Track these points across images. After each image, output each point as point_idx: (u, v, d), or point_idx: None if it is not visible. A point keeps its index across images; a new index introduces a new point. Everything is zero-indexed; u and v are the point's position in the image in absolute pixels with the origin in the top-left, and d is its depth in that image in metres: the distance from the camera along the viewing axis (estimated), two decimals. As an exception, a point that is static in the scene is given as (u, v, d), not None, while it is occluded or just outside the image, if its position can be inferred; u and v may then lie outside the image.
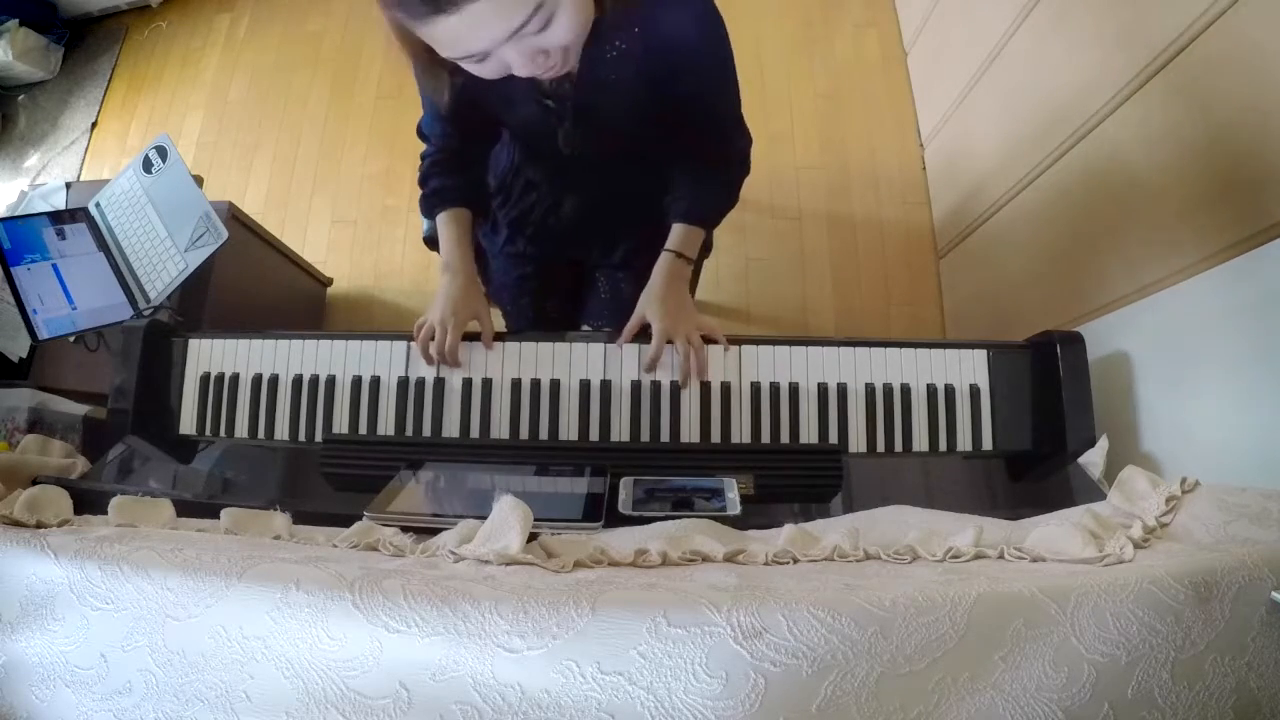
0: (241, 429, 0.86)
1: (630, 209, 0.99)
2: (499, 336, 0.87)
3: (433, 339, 0.84)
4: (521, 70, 0.63)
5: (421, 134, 0.92)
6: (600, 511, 0.62)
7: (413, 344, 0.86)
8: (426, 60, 0.67)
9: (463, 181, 0.92)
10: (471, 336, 0.86)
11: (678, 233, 0.89)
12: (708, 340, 0.84)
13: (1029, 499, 0.82)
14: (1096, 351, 0.84)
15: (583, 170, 0.91)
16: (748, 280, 1.70)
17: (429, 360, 0.85)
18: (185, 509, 0.59)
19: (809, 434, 0.83)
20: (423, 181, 0.91)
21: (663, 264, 0.88)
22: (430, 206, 0.92)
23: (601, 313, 1.06)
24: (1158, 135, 0.94)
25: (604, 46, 0.73)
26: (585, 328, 1.06)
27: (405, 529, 0.58)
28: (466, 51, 0.61)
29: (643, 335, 0.86)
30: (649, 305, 0.85)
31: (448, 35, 0.59)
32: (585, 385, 0.84)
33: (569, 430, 0.83)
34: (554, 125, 0.83)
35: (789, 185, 1.77)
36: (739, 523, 0.61)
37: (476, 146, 0.93)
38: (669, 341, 0.83)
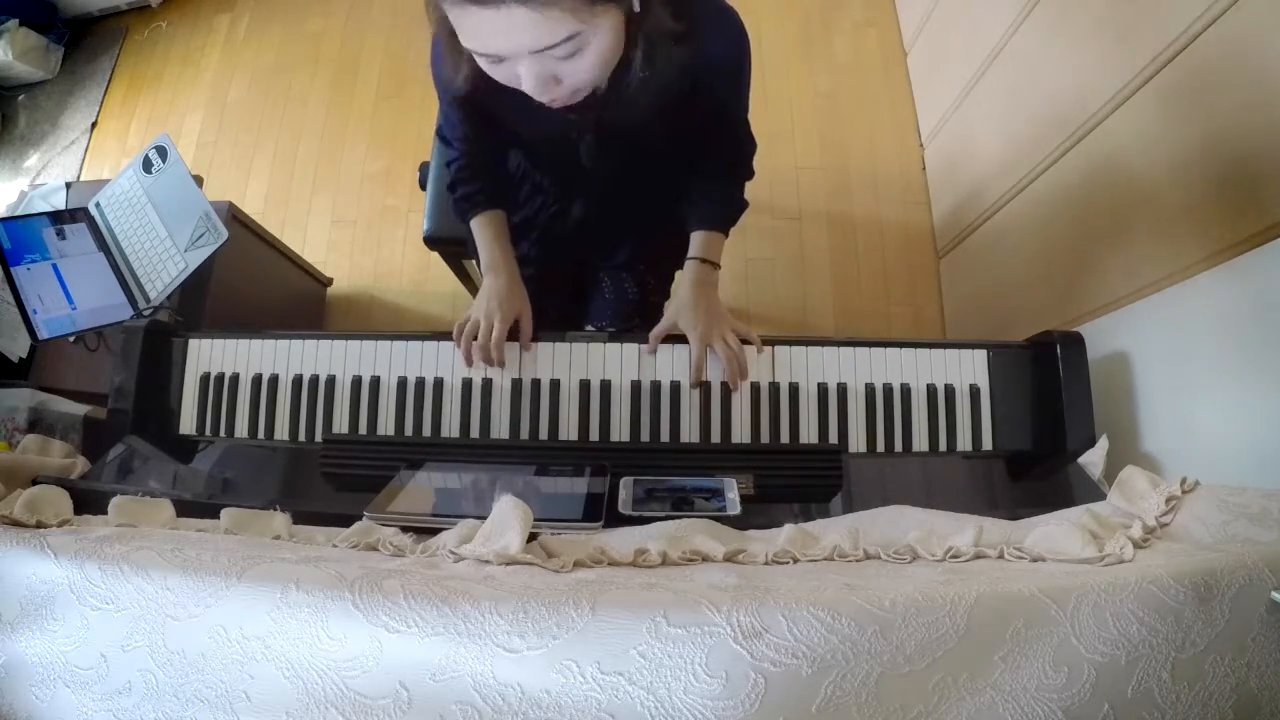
0: (241, 429, 0.86)
1: (636, 212, 0.99)
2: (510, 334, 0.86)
3: (476, 338, 0.84)
4: (529, 87, 0.62)
5: (443, 137, 0.92)
6: (600, 511, 0.62)
7: (411, 344, 0.86)
8: (449, 40, 0.65)
9: (492, 184, 0.92)
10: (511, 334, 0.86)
11: (701, 240, 0.90)
12: (743, 342, 0.85)
13: (1029, 499, 0.82)
14: (1096, 351, 0.84)
15: (592, 176, 0.91)
16: (747, 280, 1.70)
17: (469, 361, 0.85)
18: (185, 509, 0.59)
19: (809, 434, 0.83)
20: (452, 187, 0.92)
21: (691, 272, 0.89)
22: (463, 212, 0.92)
23: (605, 313, 1.06)
24: (1157, 135, 0.94)
25: (633, 68, 0.73)
26: (589, 328, 1.06)
27: (405, 529, 0.58)
28: (485, 48, 0.60)
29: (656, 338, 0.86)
30: (682, 314, 0.85)
31: (476, 26, 0.57)
32: (585, 385, 0.84)
33: (569, 430, 0.83)
34: (575, 139, 0.83)
35: (789, 185, 1.77)
36: (739, 523, 0.61)
37: (498, 150, 0.94)
38: (708, 347, 0.83)
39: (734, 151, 0.91)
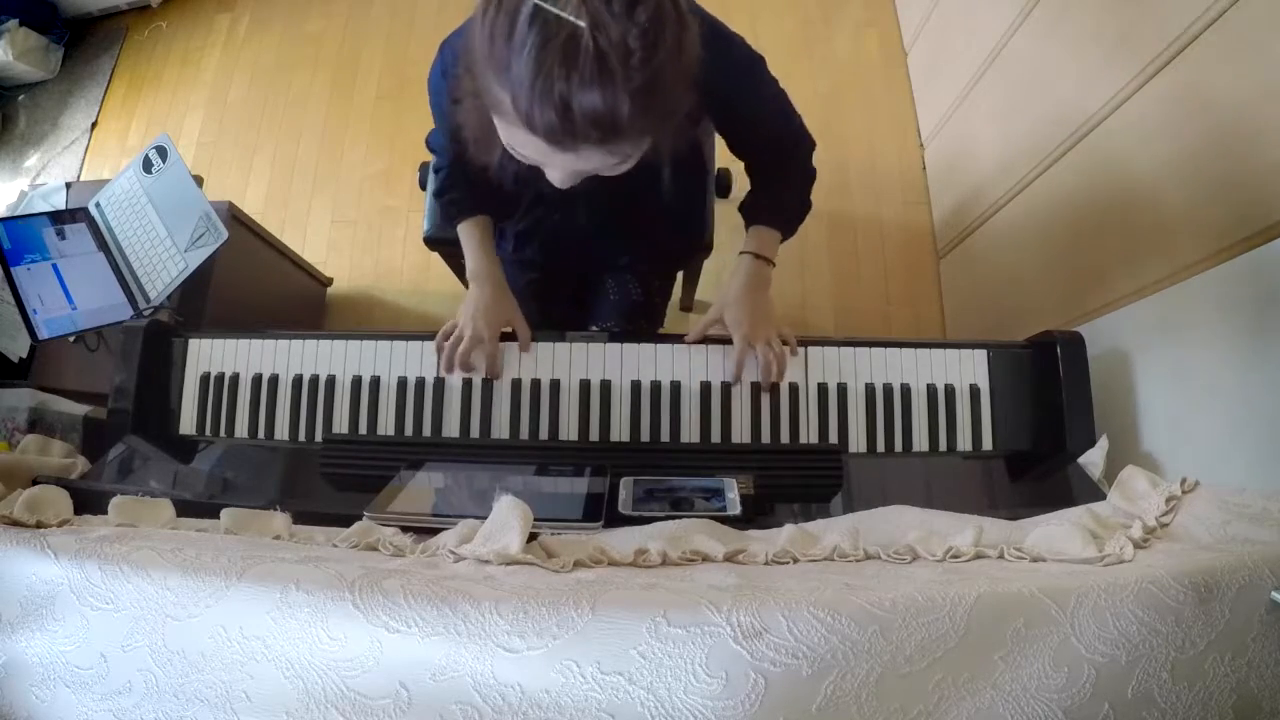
0: (241, 429, 0.86)
1: (640, 218, 0.99)
2: (503, 338, 0.86)
3: (455, 342, 0.84)
4: (559, 181, 0.61)
5: (431, 147, 0.93)
6: (600, 511, 0.62)
7: (411, 344, 0.86)
8: (483, 131, 0.64)
9: (479, 190, 0.91)
10: (505, 337, 0.86)
11: (758, 235, 0.87)
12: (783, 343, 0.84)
13: (1029, 499, 0.82)
14: (1096, 351, 0.84)
15: (594, 193, 0.91)
16: (748, 280, 1.70)
17: (449, 369, 0.84)
18: (185, 509, 0.59)
19: (809, 434, 0.83)
20: (440, 193, 0.92)
21: (744, 267, 0.86)
22: (451, 216, 0.92)
23: (609, 314, 1.06)
24: (1157, 135, 0.93)
25: None
26: (593, 329, 1.06)
27: (405, 529, 0.58)
28: (538, 163, 0.58)
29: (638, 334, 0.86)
30: (731, 310, 0.83)
31: (537, 152, 0.55)
32: (585, 385, 0.84)
33: (569, 430, 0.83)
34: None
35: (789, 185, 1.77)
36: (739, 523, 0.61)
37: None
38: (751, 347, 0.82)
39: (791, 150, 0.88)
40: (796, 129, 0.88)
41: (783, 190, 0.89)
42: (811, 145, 0.90)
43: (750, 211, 0.90)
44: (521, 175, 0.93)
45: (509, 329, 0.87)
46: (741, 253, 0.88)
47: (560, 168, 0.58)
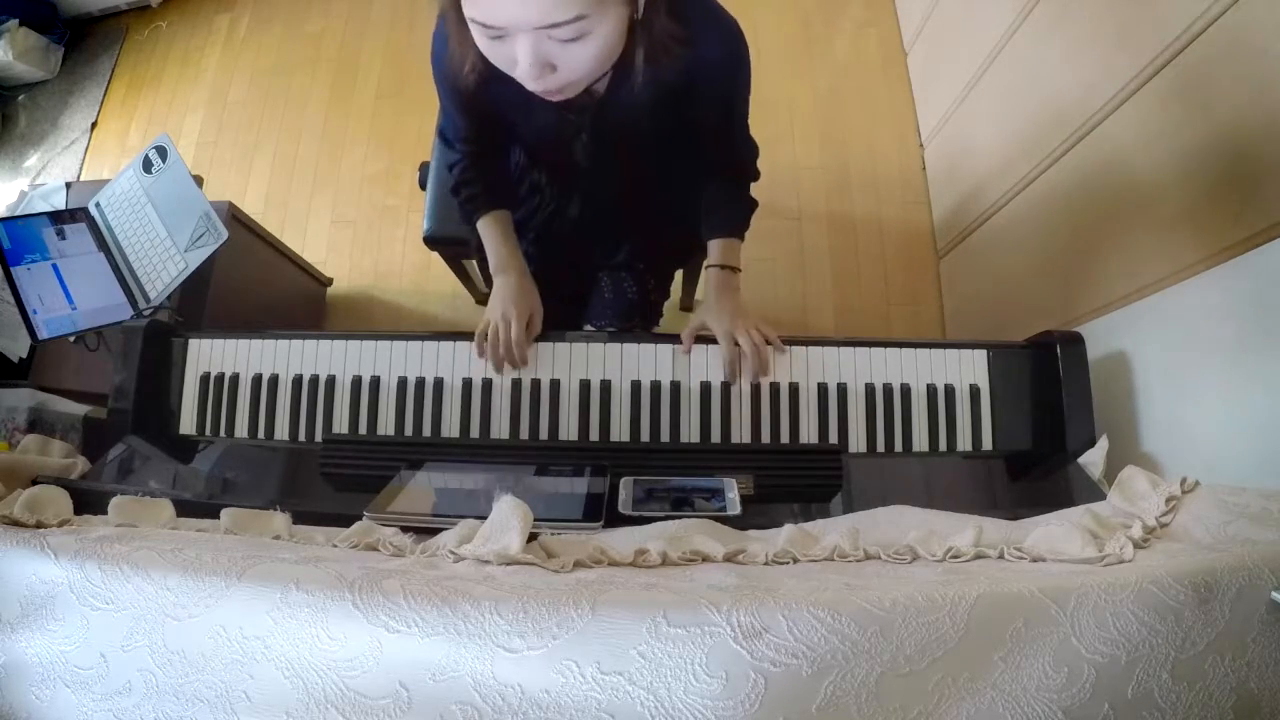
0: (241, 429, 0.86)
1: (633, 212, 0.99)
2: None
3: (492, 337, 0.84)
4: (523, 71, 0.62)
5: (444, 138, 0.93)
6: (600, 511, 0.62)
7: (411, 344, 0.86)
8: (457, 23, 0.66)
9: (495, 183, 0.93)
10: None
11: (719, 247, 0.92)
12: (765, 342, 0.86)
13: (1029, 499, 0.82)
14: (1096, 351, 0.84)
15: (590, 177, 0.92)
16: (747, 280, 1.70)
17: (498, 368, 0.85)
18: (185, 509, 0.59)
19: (809, 434, 0.83)
20: (455, 190, 0.92)
21: (713, 280, 0.90)
22: (469, 213, 0.93)
23: (605, 313, 1.06)
24: (1158, 135, 0.94)
25: (634, 71, 0.73)
26: (588, 328, 1.06)
27: (405, 529, 0.58)
28: (491, 17, 0.59)
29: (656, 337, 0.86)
30: (709, 316, 0.87)
31: (489, 8, 0.58)
32: (585, 385, 0.84)
33: (569, 430, 0.83)
34: (570, 137, 0.84)
35: (789, 185, 1.77)
36: (739, 523, 0.61)
37: (500, 150, 0.94)
38: (735, 343, 0.84)
39: (735, 156, 0.91)
40: (746, 133, 0.90)
41: (736, 199, 0.93)
42: (757, 151, 0.92)
43: (710, 227, 0.93)
44: (535, 120, 0.93)
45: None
46: (708, 266, 0.92)
47: (513, 15, 0.58)
